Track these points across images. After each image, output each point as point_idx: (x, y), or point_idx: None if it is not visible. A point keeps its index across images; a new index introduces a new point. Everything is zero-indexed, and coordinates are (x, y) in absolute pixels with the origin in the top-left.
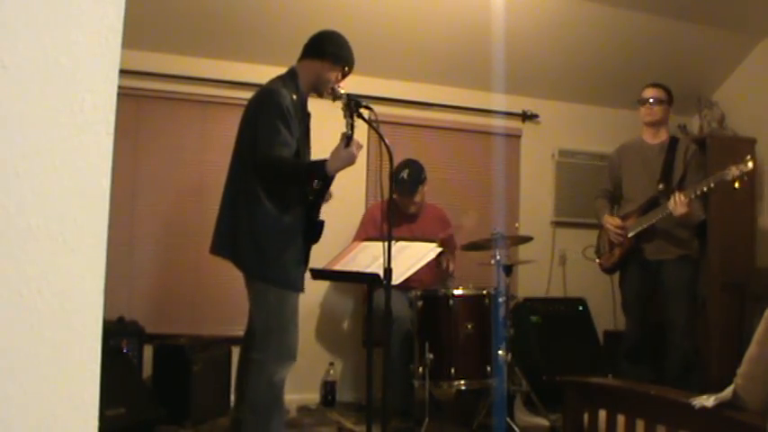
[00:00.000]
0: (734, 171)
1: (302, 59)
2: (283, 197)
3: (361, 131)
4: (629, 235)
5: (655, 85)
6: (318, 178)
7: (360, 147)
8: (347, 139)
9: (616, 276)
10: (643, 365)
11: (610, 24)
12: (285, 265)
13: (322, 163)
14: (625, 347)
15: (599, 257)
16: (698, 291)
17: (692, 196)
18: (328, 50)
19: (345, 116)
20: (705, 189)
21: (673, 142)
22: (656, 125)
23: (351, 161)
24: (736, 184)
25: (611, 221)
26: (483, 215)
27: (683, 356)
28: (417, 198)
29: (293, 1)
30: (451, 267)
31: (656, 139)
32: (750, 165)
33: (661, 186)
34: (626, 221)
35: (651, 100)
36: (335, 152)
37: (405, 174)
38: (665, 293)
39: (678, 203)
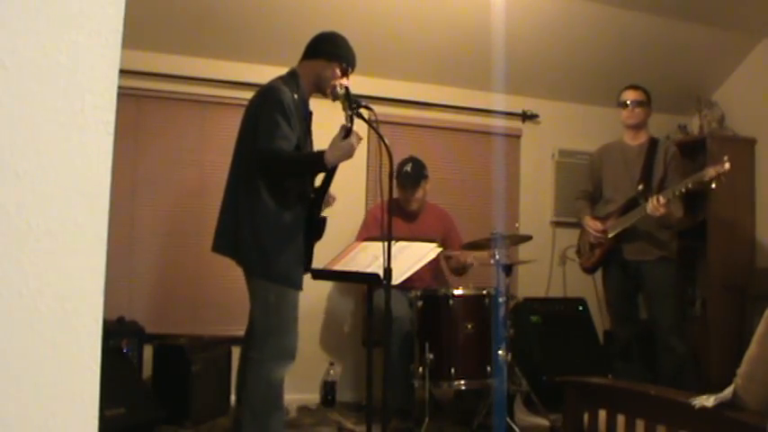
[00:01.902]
0: (711, 172)
1: (301, 61)
2: (284, 194)
3: (361, 131)
4: (609, 235)
5: (634, 88)
6: (317, 169)
7: (359, 138)
8: (346, 130)
9: None
10: (635, 364)
11: (610, 24)
12: (285, 262)
13: (320, 154)
14: (616, 348)
15: (579, 257)
16: (682, 292)
17: (670, 197)
18: (323, 48)
19: (344, 109)
20: (683, 190)
21: (653, 144)
22: (637, 127)
23: (349, 153)
24: (713, 185)
25: (591, 223)
26: (483, 215)
27: (674, 356)
28: (419, 193)
29: (293, 1)
30: (469, 259)
31: (637, 140)
32: (727, 165)
33: (641, 187)
34: (606, 222)
35: (631, 102)
36: (334, 143)
37: (408, 167)
38: (648, 295)
39: (656, 205)
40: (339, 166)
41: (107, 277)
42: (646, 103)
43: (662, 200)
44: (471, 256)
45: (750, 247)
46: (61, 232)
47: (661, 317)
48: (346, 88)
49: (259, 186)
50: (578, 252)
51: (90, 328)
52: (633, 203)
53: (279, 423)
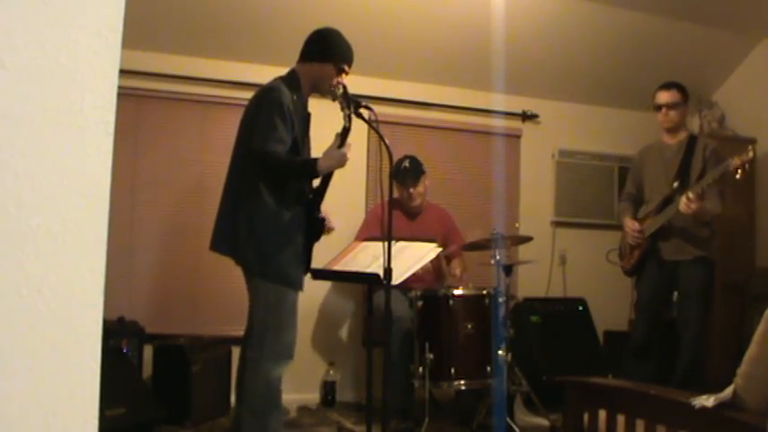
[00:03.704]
0: (736, 161)
1: (300, 63)
2: (284, 194)
3: (360, 131)
4: (646, 234)
5: (667, 88)
6: (309, 176)
7: (349, 146)
8: (341, 139)
9: (616, 276)
10: (650, 364)
11: (610, 24)
12: (284, 261)
13: (314, 162)
14: (633, 346)
15: (621, 260)
16: (713, 294)
17: (699, 191)
18: (318, 50)
19: (342, 109)
20: (710, 182)
21: (691, 141)
22: (674, 129)
23: (342, 162)
24: (739, 174)
25: (629, 224)
26: (483, 215)
27: (693, 359)
28: (421, 188)
29: (293, 1)
30: (460, 271)
31: (675, 138)
32: (750, 153)
33: (676, 184)
34: (644, 222)
35: (665, 106)
36: (328, 152)
37: (406, 163)
38: (681, 295)
39: (687, 202)
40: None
41: (107, 277)
42: (681, 103)
43: (691, 195)
44: (460, 269)
45: (750, 247)
46: (61, 232)
47: (689, 319)
48: (343, 87)
49: (259, 186)
50: (620, 255)
51: (90, 328)
52: (668, 201)
53: (278, 422)
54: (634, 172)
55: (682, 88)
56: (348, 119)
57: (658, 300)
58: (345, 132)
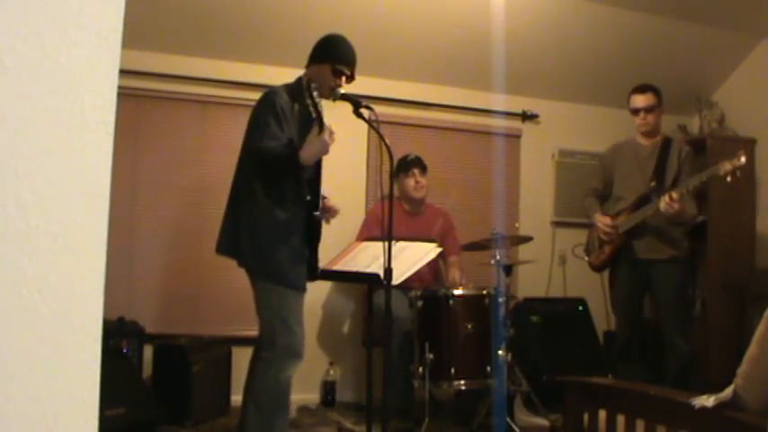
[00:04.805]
0: (726, 166)
1: (305, 68)
2: (281, 195)
3: (361, 131)
4: (620, 231)
5: (643, 91)
6: (295, 167)
7: (332, 133)
8: (318, 127)
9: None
10: (636, 364)
11: (610, 24)
12: (281, 262)
13: (295, 151)
14: (618, 348)
15: (588, 255)
16: (689, 292)
17: (684, 192)
18: (316, 53)
19: (307, 98)
20: (697, 184)
21: (666, 143)
22: (652, 132)
23: (324, 149)
24: (729, 179)
25: (601, 219)
26: (483, 215)
27: (680, 358)
28: (425, 180)
29: (293, 1)
30: (459, 276)
31: (650, 139)
32: (743, 159)
33: (653, 184)
34: (617, 219)
35: (642, 110)
36: (308, 141)
37: (412, 155)
38: (657, 295)
39: (669, 202)
40: (338, 167)
41: (107, 277)
42: (657, 106)
43: (675, 195)
44: (459, 273)
45: (750, 247)
46: (61, 232)
47: (669, 318)
48: (308, 80)
49: (255, 186)
50: (587, 250)
51: (90, 328)
52: (645, 200)
53: (284, 422)
54: (604, 169)
55: (656, 90)
56: (313, 107)
57: (634, 300)
58: (318, 120)
